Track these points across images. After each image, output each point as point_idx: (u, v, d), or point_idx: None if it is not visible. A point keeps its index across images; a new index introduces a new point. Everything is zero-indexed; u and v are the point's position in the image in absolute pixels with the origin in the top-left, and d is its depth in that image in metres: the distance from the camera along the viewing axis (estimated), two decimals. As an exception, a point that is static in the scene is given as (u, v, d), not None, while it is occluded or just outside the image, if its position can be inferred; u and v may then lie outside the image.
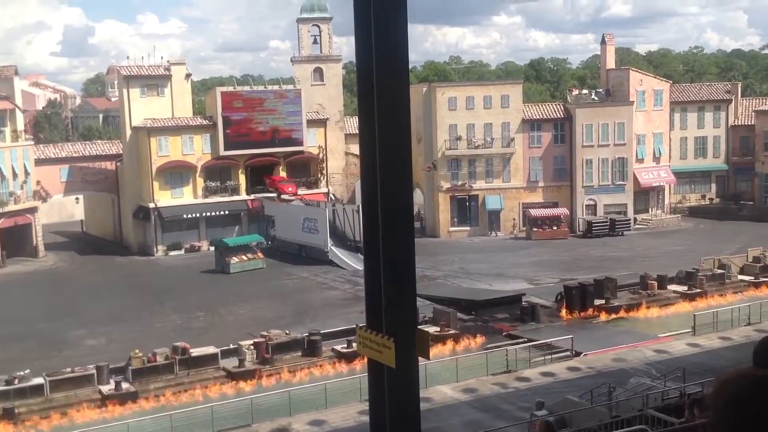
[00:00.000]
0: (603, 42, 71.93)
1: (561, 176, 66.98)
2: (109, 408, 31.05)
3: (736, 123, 73.76)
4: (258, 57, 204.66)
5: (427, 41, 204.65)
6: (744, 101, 76.09)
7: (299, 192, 64.79)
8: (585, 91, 72.99)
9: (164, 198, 63.18)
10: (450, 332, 37.99)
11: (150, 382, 32.87)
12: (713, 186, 74.47)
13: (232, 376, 33.64)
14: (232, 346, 35.59)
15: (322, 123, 68.58)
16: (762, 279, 46.19)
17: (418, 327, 10.98)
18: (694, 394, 19.13)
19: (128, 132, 63.96)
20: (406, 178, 10.04)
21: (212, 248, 59.11)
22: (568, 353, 35.19)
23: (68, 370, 32.74)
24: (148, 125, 62.61)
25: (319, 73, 71.11)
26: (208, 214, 63.74)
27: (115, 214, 67.53)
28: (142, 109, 63.63)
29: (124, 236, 66.67)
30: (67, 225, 74.35)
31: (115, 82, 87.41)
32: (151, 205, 62.48)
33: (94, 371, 32.44)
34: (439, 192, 66.05)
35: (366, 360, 10.25)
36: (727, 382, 1.93)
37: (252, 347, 35.15)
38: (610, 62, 71.17)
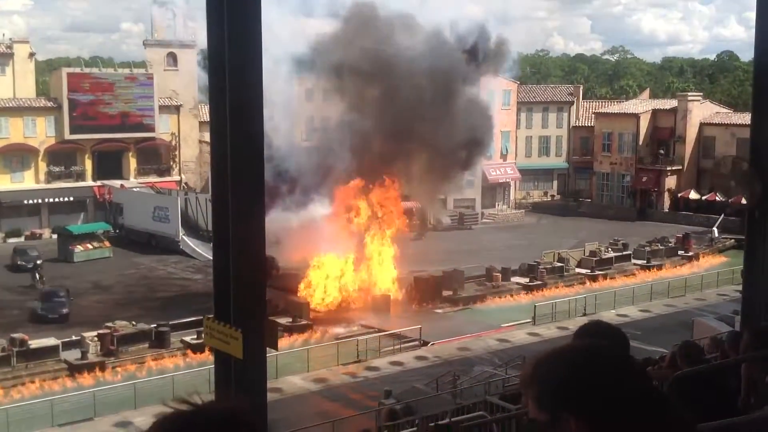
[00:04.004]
0: (456, 41, 73.82)
1: (414, 170, 68.25)
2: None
3: (577, 124, 77.73)
4: (109, 39, 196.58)
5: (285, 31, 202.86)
6: (585, 103, 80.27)
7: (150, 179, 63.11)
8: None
9: (3, 182, 59.84)
10: (303, 323, 38.14)
11: (-16, 376, 31.18)
12: (555, 183, 78.23)
13: (75, 368, 32.38)
14: (74, 338, 34.27)
15: (175, 109, 66.91)
16: (597, 272, 48.96)
17: (268, 318, 11.02)
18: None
19: (-37, 111, 60.10)
20: (259, 168, 10.07)
21: (55, 236, 56.53)
22: (417, 343, 36.14)
23: None
24: (-14, 105, 59.11)
25: (173, 58, 69.21)
26: (51, 200, 60.89)
27: (-53, 199, 63.31)
28: (-21, 88, 59.96)
29: (-44, 222, 62.62)
30: None
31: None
32: (-12, 190, 59.03)
33: None
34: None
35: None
36: (547, 359, 1.96)
37: (96, 339, 33.96)
38: (463, 61, 73.11)
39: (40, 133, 60.93)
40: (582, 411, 1.83)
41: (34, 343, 33.00)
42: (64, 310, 38.86)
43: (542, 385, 1.90)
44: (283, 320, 36.56)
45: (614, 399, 1.84)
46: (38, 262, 47.96)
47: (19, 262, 48.85)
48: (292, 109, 49.93)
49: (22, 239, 59.04)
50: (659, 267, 51.28)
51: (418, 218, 65.88)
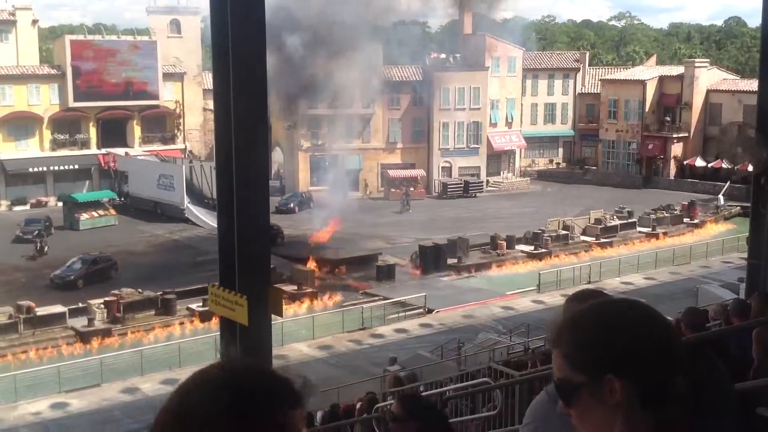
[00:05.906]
0: (461, 7, 73.22)
1: (419, 138, 68.17)
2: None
3: (583, 91, 77.19)
4: (111, 5, 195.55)
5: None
6: (591, 70, 79.65)
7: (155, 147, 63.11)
8: (443, 55, 74.07)
9: (8, 150, 59.82)
10: (307, 290, 38.30)
11: (-8, 343, 31.45)
12: (560, 151, 77.91)
13: (81, 335, 32.64)
14: (81, 305, 34.49)
15: (179, 77, 66.63)
16: (602, 240, 48.95)
17: (273, 285, 11.05)
18: (536, 348, 20.25)
19: (-33, 79, 59.93)
20: (262, 136, 10.04)
21: (60, 204, 56.65)
22: (421, 310, 36.29)
23: None
24: (-10, 72, 58.93)
25: (176, 25, 68.81)
26: (56, 168, 60.93)
27: (-48, 167, 63.38)
28: (-18, 55, 59.72)
29: (-38, 190, 62.74)
30: None
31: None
32: (-7, 158, 59.07)
33: (-70, 332, 30.70)
34: (299, 151, 65.78)
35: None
36: (583, 315, 1.80)
37: (102, 306, 34.19)
38: (468, 28, 72.63)
39: (44, 100, 60.80)
40: (627, 372, 1.67)
41: (41, 310, 33.23)
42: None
43: (577, 343, 1.73)
44: (289, 288, 36.71)
45: (662, 358, 1.69)
46: (35, 233, 47.63)
47: (18, 233, 48.79)
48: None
49: (27, 207, 59.17)
50: (664, 234, 51.25)
51: (423, 186, 65.92)
